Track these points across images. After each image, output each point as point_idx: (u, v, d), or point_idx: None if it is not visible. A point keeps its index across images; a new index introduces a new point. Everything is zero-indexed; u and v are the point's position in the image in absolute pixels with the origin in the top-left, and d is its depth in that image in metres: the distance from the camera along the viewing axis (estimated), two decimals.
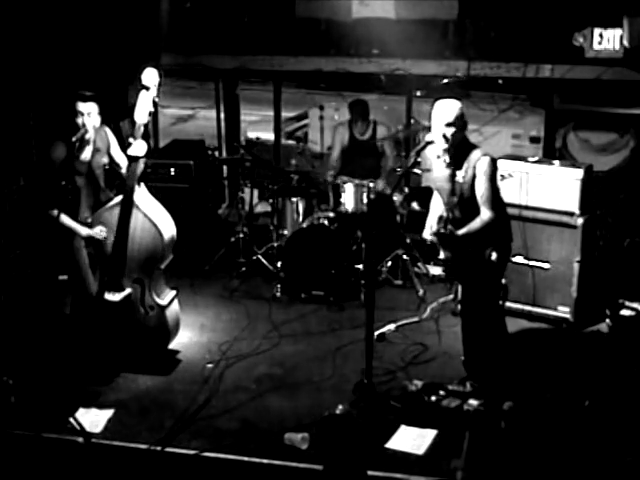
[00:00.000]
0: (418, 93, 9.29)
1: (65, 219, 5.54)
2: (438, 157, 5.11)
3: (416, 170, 7.55)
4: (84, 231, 5.57)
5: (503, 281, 5.49)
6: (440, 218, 5.10)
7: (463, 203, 5.06)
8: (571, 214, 6.17)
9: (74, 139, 5.40)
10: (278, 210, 7.34)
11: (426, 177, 8.51)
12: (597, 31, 7.47)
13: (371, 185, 6.97)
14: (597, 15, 7.49)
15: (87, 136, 5.55)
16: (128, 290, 5.56)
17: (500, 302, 5.50)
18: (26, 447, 4.84)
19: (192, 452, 4.77)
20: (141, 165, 5.53)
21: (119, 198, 5.54)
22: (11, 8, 6.54)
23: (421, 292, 6.87)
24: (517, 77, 7.98)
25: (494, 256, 5.05)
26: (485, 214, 5.00)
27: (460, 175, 5.01)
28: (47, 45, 6.80)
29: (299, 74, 9.31)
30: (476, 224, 5.02)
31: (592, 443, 4.68)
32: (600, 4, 7.52)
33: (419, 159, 6.17)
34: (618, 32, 7.36)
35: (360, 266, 6.81)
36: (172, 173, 7.87)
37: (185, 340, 6.09)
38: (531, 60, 7.83)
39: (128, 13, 7.67)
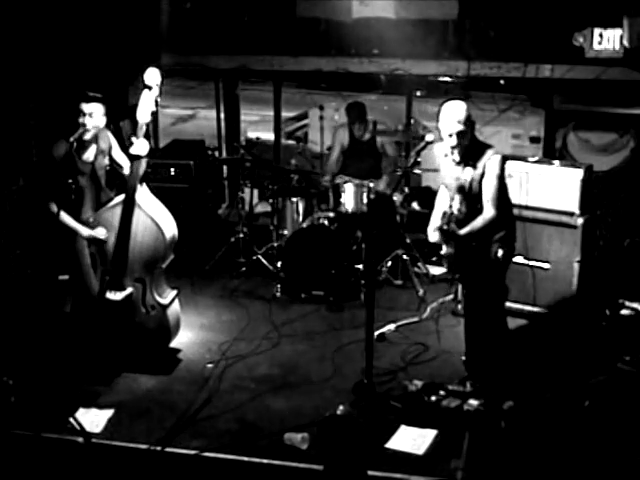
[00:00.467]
0: (418, 93, 9.30)
1: (67, 219, 5.54)
2: (446, 155, 5.14)
3: (416, 170, 7.58)
4: (85, 232, 5.57)
5: None
6: (444, 214, 5.11)
7: (470, 200, 5.07)
8: (571, 214, 6.18)
9: (72, 139, 5.40)
10: (278, 210, 7.34)
11: (426, 177, 8.58)
12: (597, 31, 7.47)
13: (371, 185, 6.97)
14: (597, 15, 7.50)
15: (86, 137, 5.54)
16: (129, 289, 5.56)
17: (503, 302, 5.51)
18: (26, 447, 4.84)
19: (192, 452, 4.77)
20: (143, 164, 5.53)
21: (120, 198, 5.54)
22: (12, 8, 6.54)
23: (421, 292, 6.87)
24: (517, 77, 7.99)
25: (500, 253, 5.07)
26: (488, 212, 5.02)
27: (469, 173, 5.03)
28: (47, 45, 6.81)
29: (299, 74, 9.31)
30: (478, 223, 5.04)
31: (592, 443, 4.69)
32: (600, 4, 7.53)
33: (419, 159, 6.17)
34: (618, 32, 7.37)
35: (360, 266, 6.81)
36: (172, 173, 7.88)
37: (185, 340, 6.09)
38: (531, 60, 7.84)
39: (128, 13, 7.68)
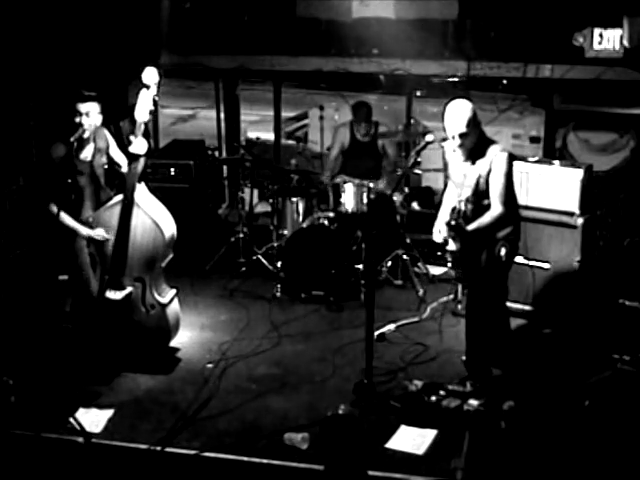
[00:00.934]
0: (418, 93, 9.29)
1: (66, 219, 5.54)
2: (454, 151, 5.14)
3: (416, 170, 7.57)
4: (85, 231, 5.57)
5: None
6: (453, 210, 5.10)
7: (477, 197, 5.07)
8: (571, 214, 6.18)
9: (72, 139, 5.41)
10: (278, 210, 7.34)
11: (426, 177, 8.58)
12: (597, 31, 7.46)
13: (371, 185, 6.97)
14: (597, 15, 7.49)
15: (85, 135, 5.55)
16: (129, 289, 5.56)
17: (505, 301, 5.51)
18: (26, 447, 4.84)
19: (192, 452, 4.77)
20: (142, 163, 5.53)
21: (119, 197, 5.55)
22: (11, 8, 6.54)
23: (421, 292, 6.87)
24: (517, 77, 7.99)
25: (503, 252, 5.07)
26: (496, 209, 5.02)
27: (477, 170, 5.03)
28: (47, 45, 6.81)
29: (299, 74, 9.30)
30: (486, 219, 5.04)
31: (592, 443, 4.68)
32: (600, 4, 7.52)
33: (419, 159, 6.17)
34: (618, 32, 7.36)
35: (360, 266, 6.81)
36: (172, 173, 7.88)
37: (185, 340, 6.09)
38: (531, 60, 7.83)
39: (128, 13, 7.68)
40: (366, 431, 4.87)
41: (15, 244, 6.70)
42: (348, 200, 6.95)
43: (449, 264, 5.75)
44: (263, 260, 7.33)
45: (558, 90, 8.16)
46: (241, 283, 7.22)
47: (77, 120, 5.48)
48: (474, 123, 5.01)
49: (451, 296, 6.66)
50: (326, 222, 6.92)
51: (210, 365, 5.74)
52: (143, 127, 5.48)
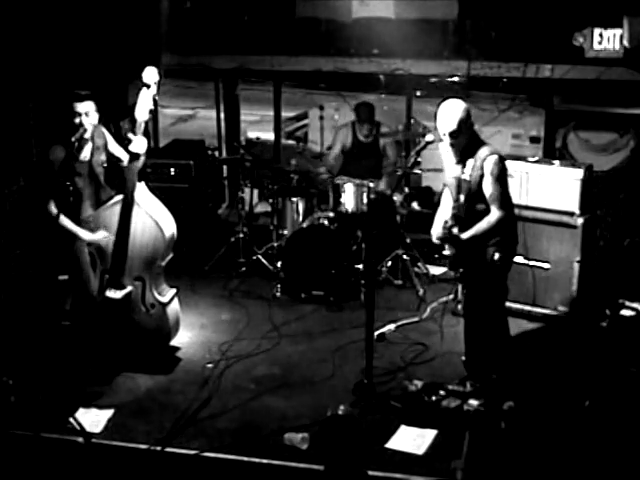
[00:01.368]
0: (418, 93, 9.29)
1: (67, 223, 5.52)
2: (447, 151, 5.12)
3: (416, 170, 7.57)
4: (86, 236, 5.55)
5: None
6: (445, 222, 5.08)
7: (470, 201, 5.04)
8: (571, 214, 6.18)
9: (73, 139, 5.41)
10: (278, 210, 7.33)
11: (426, 177, 8.58)
12: (597, 31, 7.47)
13: (371, 185, 6.97)
14: (597, 15, 7.50)
15: (86, 135, 5.55)
16: (129, 288, 5.56)
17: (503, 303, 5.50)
18: (26, 447, 4.84)
19: (192, 452, 4.77)
20: (141, 161, 5.53)
21: (119, 197, 5.54)
22: (11, 8, 6.54)
23: (421, 292, 6.87)
24: (517, 77, 7.99)
25: (497, 256, 5.05)
26: (494, 214, 4.99)
27: (467, 172, 5.01)
28: (47, 45, 6.81)
29: (299, 74, 9.31)
30: (482, 226, 5.01)
31: (592, 443, 4.68)
32: (600, 4, 7.53)
33: (419, 159, 6.16)
34: (618, 32, 7.36)
35: (360, 266, 6.81)
36: (172, 173, 7.88)
37: (185, 340, 6.09)
38: (531, 60, 7.84)
39: (128, 13, 7.67)
40: (366, 431, 4.87)
41: (15, 244, 6.69)
42: (348, 200, 6.95)
43: (447, 266, 5.75)
44: (263, 260, 7.33)
45: (558, 90, 8.17)
46: (241, 283, 7.22)
47: (77, 121, 5.47)
48: (466, 124, 4.95)
49: (451, 296, 6.65)
50: (326, 222, 6.92)
51: (210, 365, 5.74)
52: (143, 126, 5.48)
